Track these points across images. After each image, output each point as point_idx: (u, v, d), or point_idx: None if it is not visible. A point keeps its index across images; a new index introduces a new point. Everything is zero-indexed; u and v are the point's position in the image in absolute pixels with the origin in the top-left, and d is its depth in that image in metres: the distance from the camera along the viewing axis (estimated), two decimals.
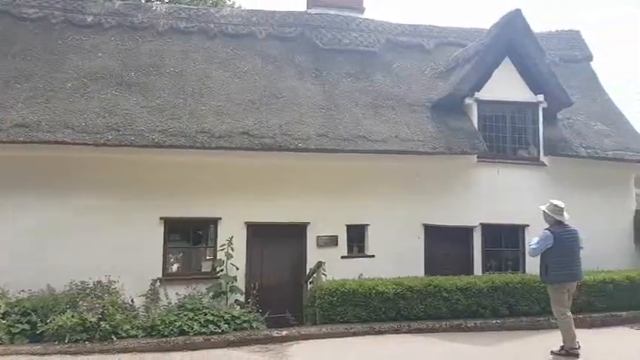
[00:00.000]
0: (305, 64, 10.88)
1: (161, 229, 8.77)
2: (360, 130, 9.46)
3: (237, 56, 10.70)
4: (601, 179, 10.38)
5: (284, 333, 7.15)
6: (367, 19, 12.28)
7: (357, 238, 9.72)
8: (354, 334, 7.17)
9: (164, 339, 6.73)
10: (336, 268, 8.75)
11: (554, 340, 6.46)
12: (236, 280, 8.60)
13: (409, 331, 7.35)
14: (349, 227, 9.59)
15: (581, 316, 7.78)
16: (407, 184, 9.71)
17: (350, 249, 9.64)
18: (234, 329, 7.16)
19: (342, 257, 9.43)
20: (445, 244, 9.77)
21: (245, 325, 7.30)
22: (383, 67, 11.27)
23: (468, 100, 10.23)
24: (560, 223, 6.40)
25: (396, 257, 9.26)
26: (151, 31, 10.87)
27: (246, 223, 9.07)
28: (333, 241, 9.41)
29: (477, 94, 10.18)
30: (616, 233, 10.39)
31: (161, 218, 8.75)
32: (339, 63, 11.12)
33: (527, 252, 6.36)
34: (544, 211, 6.51)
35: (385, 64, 11.37)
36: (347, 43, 11.54)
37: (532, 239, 6.57)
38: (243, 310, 7.70)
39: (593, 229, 10.08)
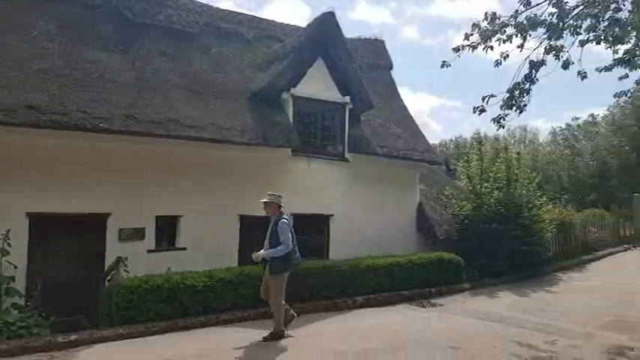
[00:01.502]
0: (111, 36, 9.74)
1: None
2: (173, 114, 8.89)
3: (26, 17, 9.03)
4: (393, 175, 11.79)
5: (72, 338, 6.29)
6: None
7: (168, 230, 9.16)
8: (156, 333, 6.71)
9: None
10: (142, 263, 8.10)
11: (352, 318, 7.04)
12: (14, 281, 7.26)
13: (217, 324, 7.20)
14: (159, 218, 8.98)
15: (372, 296, 8.75)
16: (224, 173, 9.53)
17: (159, 242, 9.03)
18: (9, 337, 6.06)
19: (149, 251, 8.78)
20: (261, 235, 9.87)
21: (22, 331, 6.24)
22: (201, 51, 10.81)
23: (284, 95, 10.52)
24: (281, 212, 6.65)
25: (210, 249, 9.01)
26: None
27: (28, 214, 7.73)
28: (139, 233, 8.68)
29: (293, 90, 10.54)
30: (403, 222, 11.96)
31: None
32: (153, 40, 10.27)
33: (280, 249, 6.39)
34: (273, 202, 6.67)
35: (203, 47, 10.92)
36: (162, 20, 10.71)
37: (281, 236, 6.48)
38: (21, 315, 6.56)
39: (387, 219, 11.51)
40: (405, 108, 13.25)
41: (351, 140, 11.21)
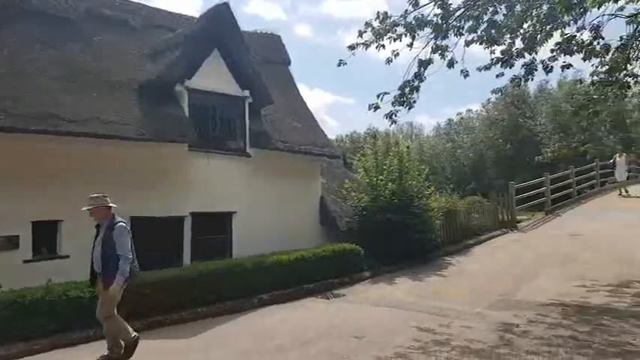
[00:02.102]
0: None
1: None
2: (51, 107, 8.00)
3: None
4: (296, 170, 11.81)
5: None
6: None
7: (47, 236, 8.23)
8: (40, 351, 5.98)
9: None
10: (17, 275, 7.16)
11: (258, 317, 6.87)
12: None
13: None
14: (36, 224, 8.02)
15: (278, 292, 8.67)
16: (113, 172, 8.77)
17: (37, 251, 8.08)
18: None
19: (26, 261, 7.83)
20: (155, 236, 9.29)
21: None
22: (81, 39, 9.85)
23: (178, 87, 9.99)
24: (113, 215, 5.68)
25: None
26: None
27: None
28: (11, 242, 7.68)
29: (188, 82, 10.04)
30: (307, 216, 12.07)
31: None
32: (25, 25, 9.14)
33: (122, 265, 5.32)
34: (100, 206, 5.63)
35: (84, 35, 9.95)
36: (36, 4, 9.57)
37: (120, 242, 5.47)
38: None
39: (291, 213, 11.51)
40: (304, 103, 13.33)
41: (252, 135, 11.00)
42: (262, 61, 12.74)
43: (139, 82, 9.76)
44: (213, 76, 10.47)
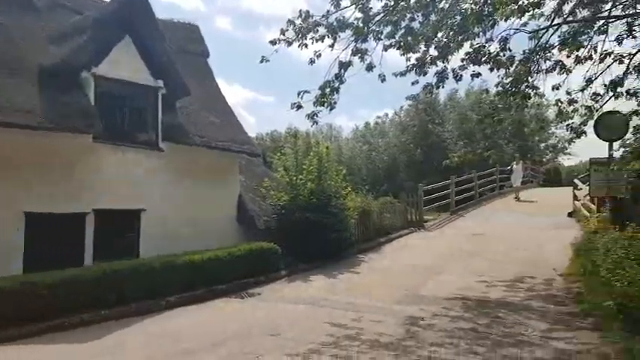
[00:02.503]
0: None
1: None
2: None
3: None
4: (213, 166, 11.46)
5: None
6: None
7: None
8: None
9: None
10: None
11: (166, 320, 6.56)
12: None
13: None
14: None
15: (189, 293, 8.34)
16: (8, 163, 7.94)
17: None
18: None
19: None
20: (53, 234, 8.54)
21: None
22: None
23: (84, 74, 9.28)
24: None
25: None
26: None
27: None
28: None
29: (95, 69, 9.36)
30: (224, 214, 11.76)
31: None
32: None
33: None
34: None
35: None
36: None
37: None
38: None
39: (207, 211, 11.15)
40: (223, 98, 13.00)
41: (165, 128, 10.49)
42: (179, 51, 12.19)
43: (42, 66, 8.92)
44: (124, 64, 9.85)
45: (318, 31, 7.83)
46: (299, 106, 7.87)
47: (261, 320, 7.00)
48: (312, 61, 8.13)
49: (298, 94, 7.93)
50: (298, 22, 7.89)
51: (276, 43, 7.94)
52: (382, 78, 8.29)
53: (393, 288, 8.73)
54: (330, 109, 8.51)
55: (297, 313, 7.43)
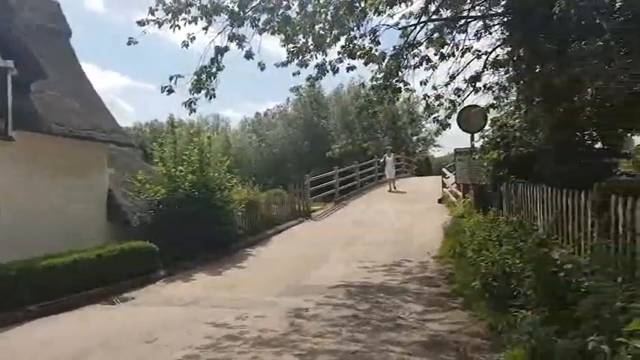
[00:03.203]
0: None
1: None
2: None
3: None
4: (77, 158, 10.28)
5: None
6: None
7: None
8: None
9: None
10: None
11: (23, 333, 5.66)
12: None
13: None
14: None
15: (51, 302, 7.37)
16: None
17: None
18: None
19: None
20: None
21: None
22: None
23: None
24: None
25: None
26: None
27: None
28: None
29: None
30: (91, 212, 10.63)
31: None
32: None
33: None
34: None
35: None
36: None
37: None
38: None
39: (70, 209, 9.96)
40: (88, 82, 11.72)
41: (16, 114, 9.10)
42: (34, 29, 10.70)
43: None
44: None
45: (190, 11, 7.35)
46: (170, 90, 7.37)
47: (133, 326, 6.38)
48: (185, 44, 7.67)
49: (170, 78, 7.42)
50: (169, 0, 7.32)
51: (144, 24, 7.30)
52: (262, 67, 8.11)
53: (279, 280, 8.60)
54: (210, 98, 8.11)
55: (176, 315, 6.92)
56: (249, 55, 8.02)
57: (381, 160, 22.68)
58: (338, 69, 8.41)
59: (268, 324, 6.08)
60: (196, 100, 8.07)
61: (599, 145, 9.57)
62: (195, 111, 8.18)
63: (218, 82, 7.98)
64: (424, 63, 9.15)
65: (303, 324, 6.02)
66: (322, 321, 6.10)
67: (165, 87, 7.59)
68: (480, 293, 6.18)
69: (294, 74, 8.97)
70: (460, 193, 14.72)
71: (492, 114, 10.91)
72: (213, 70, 7.74)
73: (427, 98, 10.03)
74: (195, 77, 7.88)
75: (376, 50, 8.51)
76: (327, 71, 8.74)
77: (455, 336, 5.42)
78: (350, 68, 8.49)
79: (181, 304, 7.51)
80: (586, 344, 3.57)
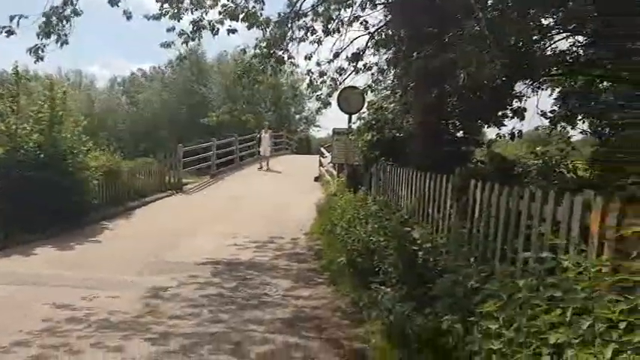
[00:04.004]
0: None
1: None
2: None
3: None
4: None
5: None
6: None
7: None
8: None
9: None
10: None
11: None
12: None
13: None
14: None
15: None
16: None
17: None
18: None
19: None
20: None
21: None
22: None
23: None
24: None
25: None
26: None
27: None
28: None
29: None
30: None
31: None
32: None
33: None
34: None
35: None
36: None
37: None
38: None
39: None
40: None
41: None
42: None
43: None
44: None
45: None
46: (10, 32, 6.14)
47: None
48: None
49: (11, 18, 6.17)
50: None
51: None
52: (128, 15, 7.18)
53: (139, 257, 7.84)
54: (61, 44, 6.98)
55: (9, 296, 5.91)
56: (113, 2, 7.02)
57: (258, 136, 21.72)
58: (218, 30, 7.80)
59: (120, 305, 5.47)
60: (44, 46, 6.90)
61: (460, 133, 10.37)
62: (42, 59, 6.97)
63: (73, 28, 6.88)
64: (310, 34, 8.92)
65: (160, 305, 5.52)
66: (182, 301, 5.65)
67: (4, 27, 6.33)
68: (346, 269, 6.26)
69: (168, 30, 8.23)
70: (335, 172, 15.04)
71: (370, 97, 11.18)
72: (67, 11, 6.61)
73: (311, 74, 9.88)
74: (44, 19, 6.69)
75: (261, 13, 8.07)
76: (204, 28, 8.08)
77: (319, 312, 5.41)
78: (231, 31, 7.92)
79: (18, 282, 6.43)
80: (440, 322, 3.70)
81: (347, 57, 9.56)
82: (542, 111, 9.13)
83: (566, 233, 3.11)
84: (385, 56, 9.33)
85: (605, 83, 8.74)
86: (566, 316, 2.17)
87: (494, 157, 8.88)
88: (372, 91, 10.77)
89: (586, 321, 2.05)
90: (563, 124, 9.23)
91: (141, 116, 30.95)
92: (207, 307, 5.45)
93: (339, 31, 9.27)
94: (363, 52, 9.37)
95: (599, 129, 9.22)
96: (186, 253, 8.23)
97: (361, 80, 10.82)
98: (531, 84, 8.94)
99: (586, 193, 2.99)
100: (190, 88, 29.72)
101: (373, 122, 9.88)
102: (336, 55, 9.65)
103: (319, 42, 9.39)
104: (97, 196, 11.24)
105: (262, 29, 8.37)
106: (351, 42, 9.40)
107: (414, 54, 6.59)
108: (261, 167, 20.56)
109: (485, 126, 10.83)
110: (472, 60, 5.37)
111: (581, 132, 9.60)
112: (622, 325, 1.99)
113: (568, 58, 8.10)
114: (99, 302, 5.60)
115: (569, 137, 8.46)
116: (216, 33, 7.89)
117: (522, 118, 7.82)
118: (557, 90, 9.67)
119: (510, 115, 8.43)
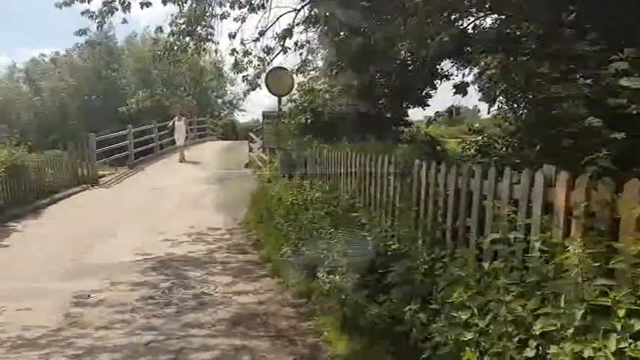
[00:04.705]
0: None
1: None
2: None
3: None
4: None
5: None
6: None
7: None
8: None
9: None
10: None
11: None
12: None
13: None
14: None
15: None
16: None
17: None
18: None
19: None
20: None
21: None
22: None
23: None
24: None
25: None
26: None
27: None
28: None
29: None
30: None
31: None
32: None
33: None
34: None
35: None
36: None
37: None
38: None
39: None
40: None
41: None
42: None
43: None
44: None
45: None
46: None
47: None
48: None
49: None
50: None
51: None
52: None
53: (54, 260, 6.99)
54: None
55: None
56: None
57: (169, 124, 19.37)
58: (129, 4, 7.03)
59: (36, 318, 4.77)
60: None
61: (389, 115, 10.37)
62: None
63: None
64: (235, 7, 8.33)
65: (85, 314, 4.90)
66: (110, 307, 5.05)
67: None
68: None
69: (82, 13, 7.47)
70: (267, 158, 14.59)
71: (299, 78, 10.84)
72: None
73: (235, 54, 9.31)
74: None
75: None
76: (116, 9, 7.32)
77: (265, 307, 5.08)
78: (145, 4, 7.17)
79: None
80: (397, 310, 3.54)
81: (274, 35, 9.13)
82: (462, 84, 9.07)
83: (526, 212, 3.02)
84: (315, 35, 9.02)
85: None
86: (554, 304, 2.05)
87: (421, 137, 8.97)
88: (301, 73, 10.44)
89: (579, 310, 1.93)
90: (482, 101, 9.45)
91: (47, 106, 28.29)
92: (138, 312, 4.91)
93: (263, 7, 8.79)
94: (292, 30, 8.97)
95: (515, 105, 9.52)
96: (108, 253, 7.48)
97: (291, 61, 10.44)
98: (456, 62, 9.03)
99: (546, 167, 2.90)
100: (101, 74, 27.58)
101: (306, 104, 9.59)
102: (262, 34, 9.18)
103: (243, 19, 8.86)
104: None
105: (179, 4, 7.69)
106: (277, 19, 8.98)
107: (344, 33, 6.33)
108: (181, 160, 18.45)
109: (410, 107, 10.91)
110: (416, 35, 5.22)
111: (498, 109, 9.86)
112: (621, 313, 1.88)
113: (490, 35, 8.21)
114: (9, 317, 4.86)
115: (506, 114, 8.43)
116: (128, 7, 7.13)
117: (465, 94, 7.55)
118: (477, 67, 9.84)
119: (433, 94, 8.42)
